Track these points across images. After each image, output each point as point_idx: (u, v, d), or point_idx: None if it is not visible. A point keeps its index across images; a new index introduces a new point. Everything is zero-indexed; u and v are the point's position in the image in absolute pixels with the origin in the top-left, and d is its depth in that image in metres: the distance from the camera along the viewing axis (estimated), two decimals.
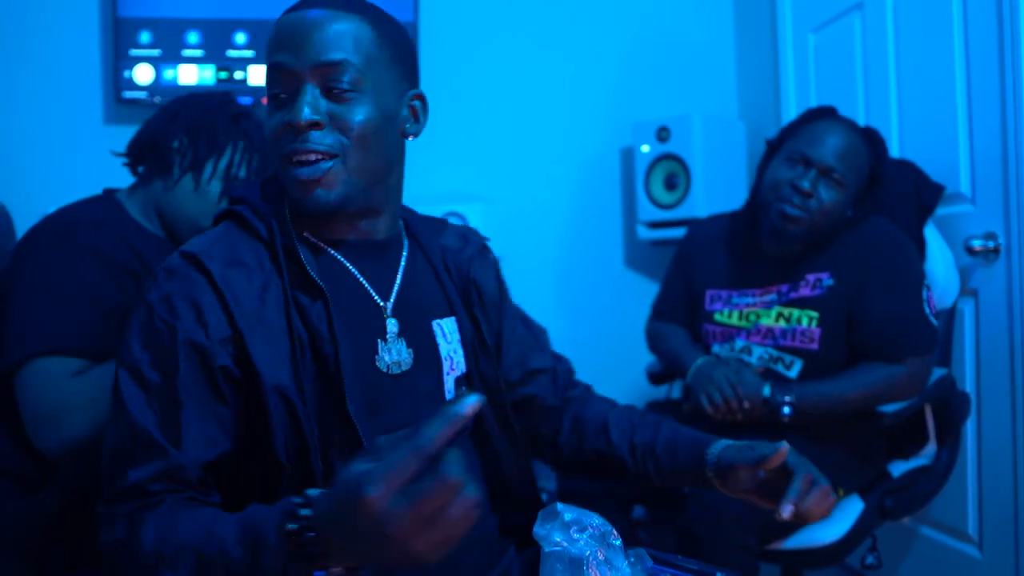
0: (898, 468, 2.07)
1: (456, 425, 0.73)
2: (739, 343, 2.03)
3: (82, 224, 1.53)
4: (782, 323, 1.98)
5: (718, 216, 2.28)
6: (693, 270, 2.19)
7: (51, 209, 1.61)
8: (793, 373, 1.96)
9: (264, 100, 1.16)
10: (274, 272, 1.09)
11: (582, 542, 0.94)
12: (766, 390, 1.89)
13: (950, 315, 2.15)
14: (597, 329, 3.10)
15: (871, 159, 1.99)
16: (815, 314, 1.94)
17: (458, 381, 1.23)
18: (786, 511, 1.08)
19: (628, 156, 3.17)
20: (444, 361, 1.21)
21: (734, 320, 2.06)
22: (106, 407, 1.35)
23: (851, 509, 1.94)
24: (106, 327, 1.44)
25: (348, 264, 1.16)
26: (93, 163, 2.57)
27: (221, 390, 1.03)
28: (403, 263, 1.22)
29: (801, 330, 1.95)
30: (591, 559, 0.94)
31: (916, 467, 2.08)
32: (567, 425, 1.37)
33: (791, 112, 2.98)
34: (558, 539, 0.97)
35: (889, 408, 1.92)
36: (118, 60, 2.66)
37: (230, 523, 0.90)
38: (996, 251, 2.10)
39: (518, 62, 3.08)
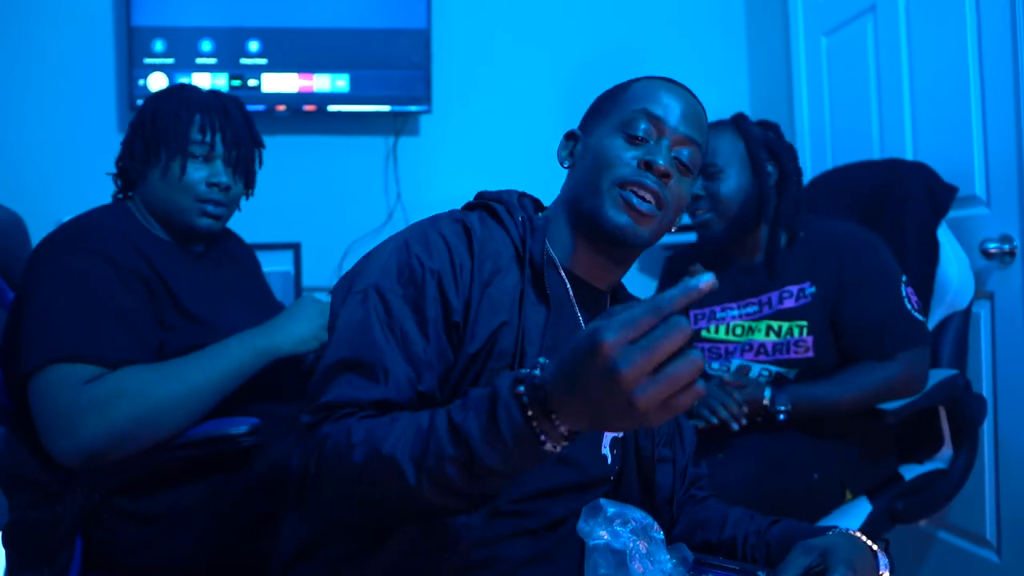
0: (911, 471, 2.05)
1: (692, 296, 0.75)
2: (735, 362, 2.04)
3: (95, 231, 1.54)
4: (773, 337, 1.99)
5: (690, 243, 2.31)
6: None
7: (65, 217, 1.62)
8: (791, 379, 1.98)
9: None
10: (515, 267, 1.17)
11: (624, 536, 0.95)
12: (767, 393, 1.89)
13: (965, 317, 2.14)
14: None
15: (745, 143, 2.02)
16: (804, 323, 1.96)
17: (613, 442, 1.26)
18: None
19: None
20: None
21: (722, 335, 2.07)
22: (120, 416, 1.37)
23: (859, 511, 1.93)
24: (120, 334, 1.45)
25: (574, 302, 1.23)
26: (107, 170, 2.60)
27: (453, 340, 1.10)
28: (607, 307, 1.28)
29: (794, 341, 1.96)
30: (634, 552, 0.95)
31: (931, 471, 2.06)
32: (683, 521, 1.34)
33: (804, 116, 2.98)
34: (601, 533, 1.00)
35: (890, 406, 1.90)
36: (132, 68, 2.68)
37: (454, 403, 0.92)
38: (1012, 253, 2.09)
39: (529, 65, 3.08)
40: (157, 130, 1.62)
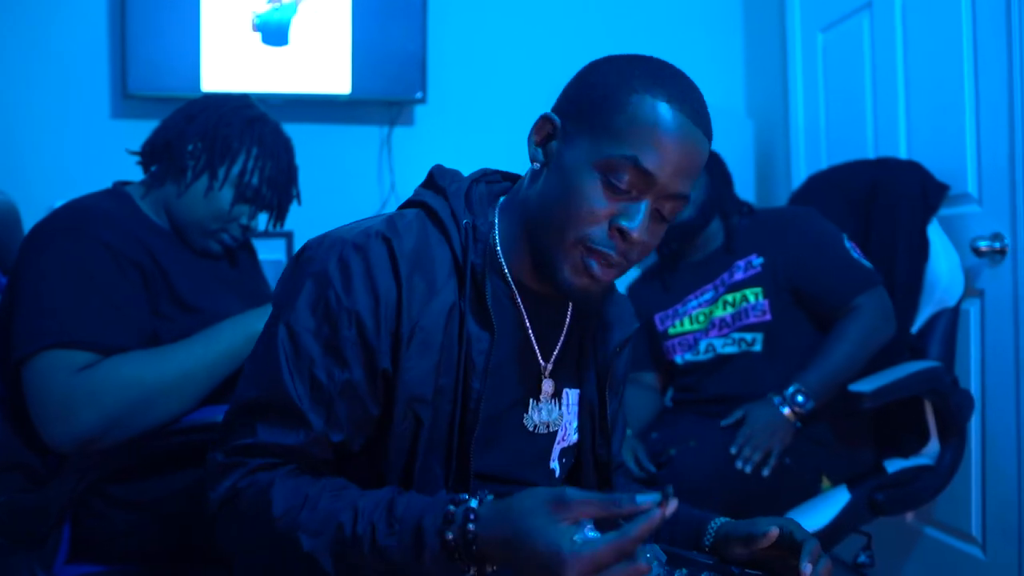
0: (895, 465, 2.07)
1: (655, 525, 0.81)
2: (702, 344, 2.15)
3: (92, 217, 1.53)
4: (731, 309, 2.11)
5: (649, 268, 2.42)
6: (640, 313, 2.29)
7: (59, 203, 1.61)
8: (758, 348, 2.06)
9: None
10: (453, 284, 1.06)
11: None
12: (784, 411, 1.94)
13: (954, 315, 2.15)
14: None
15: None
16: (758, 289, 2.08)
17: (563, 451, 1.21)
18: (806, 570, 1.03)
19: None
20: (560, 429, 1.19)
21: (687, 326, 2.19)
22: (114, 403, 1.37)
23: (836, 500, 1.96)
24: (115, 321, 1.44)
25: (525, 316, 1.13)
26: (101, 157, 2.60)
27: (375, 387, 1.02)
28: (567, 323, 1.19)
29: (750, 307, 2.08)
30: None
31: (916, 465, 2.07)
32: None
33: (799, 111, 2.98)
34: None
35: (866, 388, 1.92)
36: (125, 52, 2.66)
37: (380, 507, 0.93)
38: (1002, 252, 2.10)
39: (525, 55, 3.07)
40: (214, 151, 1.61)
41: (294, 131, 2.91)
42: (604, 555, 0.81)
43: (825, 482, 2.00)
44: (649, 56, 1.08)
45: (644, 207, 1.01)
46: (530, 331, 1.13)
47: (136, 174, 1.73)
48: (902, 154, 2.45)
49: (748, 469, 1.85)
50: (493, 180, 1.21)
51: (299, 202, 1.75)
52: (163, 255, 1.56)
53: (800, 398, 1.93)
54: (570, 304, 1.19)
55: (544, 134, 1.07)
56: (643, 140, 0.99)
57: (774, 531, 1.07)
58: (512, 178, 1.22)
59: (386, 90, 2.85)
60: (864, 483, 2.00)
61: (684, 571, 1.10)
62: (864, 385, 1.93)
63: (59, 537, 1.45)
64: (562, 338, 1.18)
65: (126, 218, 1.57)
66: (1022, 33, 2.02)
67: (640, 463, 1.95)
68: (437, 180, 1.15)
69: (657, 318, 2.26)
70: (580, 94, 1.06)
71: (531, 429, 1.15)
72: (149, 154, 1.67)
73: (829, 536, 1.93)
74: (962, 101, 2.23)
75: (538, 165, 1.07)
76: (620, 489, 1.33)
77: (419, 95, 2.86)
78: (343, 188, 2.92)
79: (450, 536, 0.88)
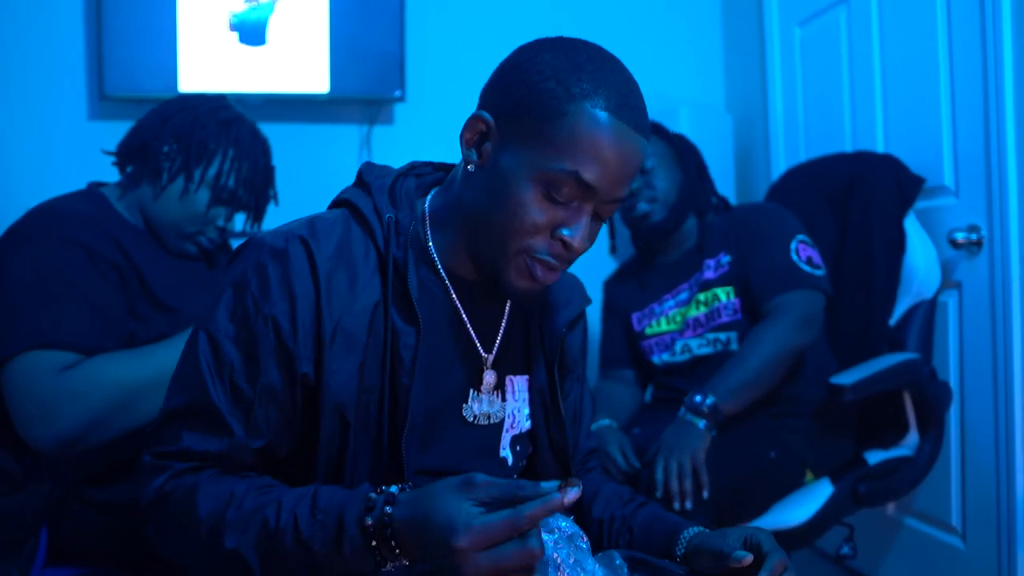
0: (875, 456, 2.08)
1: (553, 510, 0.84)
2: (678, 345, 2.14)
3: (68, 218, 1.52)
4: (703, 308, 2.10)
5: (626, 262, 2.44)
6: (618, 311, 2.33)
7: (34, 204, 1.60)
8: (734, 347, 2.05)
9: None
10: (378, 282, 1.05)
11: (550, 545, 0.93)
12: (689, 419, 1.86)
13: (931, 307, 2.16)
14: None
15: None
16: (729, 288, 2.07)
17: (515, 439, 1.20)
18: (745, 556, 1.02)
19: None
20: (507, 418, 1.18)
21: (663, 327, 2.19)
22: (97, 403, 1.36)
23: (820, 492, 1.97)
24: (94, 322, 1.44)
25: (460, 307, 1.12)
26: (77, 159, 2.58)
27: (295, 392, 1.02)
28: (507, 311, 1.18)
29: (722, 306, 2.07)
30: (561, 562, 0.94)
31: (896, 456, 2.08)
32: None
33: (778, 104, 2.99)
34: None
35: (846, 380, 1.92)
36: (102, 56, 2.65)
37: (303, 500, 0.94)
38: (979, 243, 2.11)
39: (504, 53, 3.06)
40: (189, 153, 1.60)
41: (272, 131, 2.90)
42: (496, 529, 0.83)
43: (809, 475, 2.00)
44: (582, 44, 1.05)
45: (585, 216, 1.01)
46: (467, 323, 1.13)
47: (114, 175, 1.72)
48: (879, 147, 2.47)
49: (688, 505, 1.77)
50: (423, 172, 1.19)
51: (276, 203, 1.75)
52: (139, 256, 1.55)
53: (698, 398, 1.86)
54: None
55: (476, 133, 1.05)
56: (584, 154, 0.97)
57: (748, 559, 1.03)
58: (445, 168, 1.21)
59: (365, 89, 2.84)
60: (846, 475, 2.00)
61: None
62: (844, 378, 1.94)
63: (36, 541, 1.44)
64: (503, 327, 1.17)
65: (103, 219, 1.57)
66: (996, 26, 2.04)
67: (627, 457, 1.95)
68: (364, 177, 1.14)
69: (635, 317, 2.26)
70: (514, 94, 1.02)
71: (471, 420, 1.13)
72: (124, 155, 1.66)
73: (814, 528, 1.94)
74: (938, 94, 2.25)
75: (471, 166, 1.05)
76: (592, 476, 1.32)
77: (398, 93, 2.85)
78: (323, 188, 2.88)
79: (369, 521, 0.89)
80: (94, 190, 1.66)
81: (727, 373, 1.91)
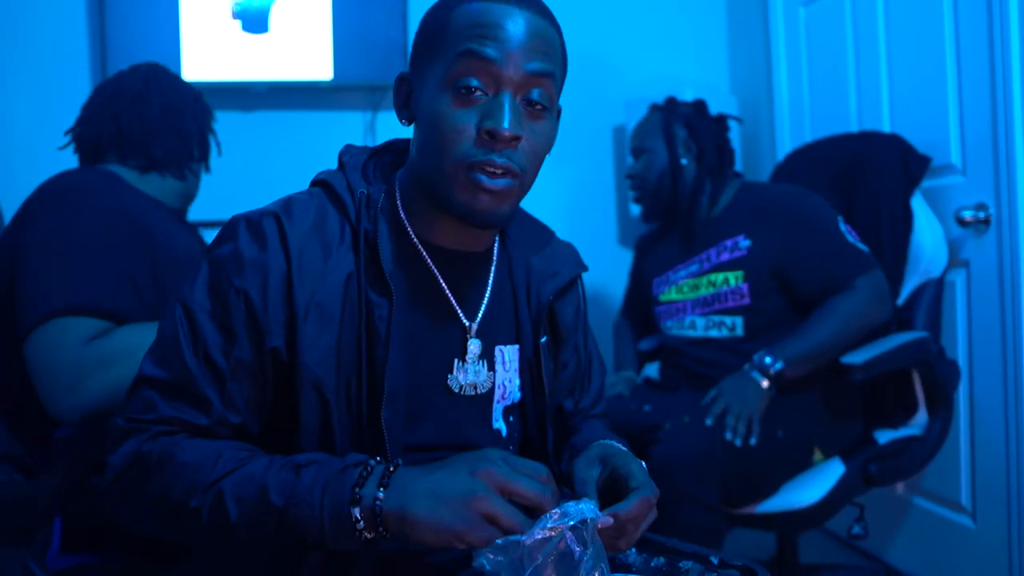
0: (885, 436, 2.08)
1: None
2: (687, 319, 2.17)
3: (92, 187, 1.51)
4: (711, 289, 2.11)
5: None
6: (642, 272, 2.38)
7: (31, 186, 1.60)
8: (740, 332, 2.07)
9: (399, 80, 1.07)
10: (351, 257, 1.06)
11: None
12: (754, 375, 1.94)
13: (939, 286, 2.16)
14: (591, 306, 3.10)
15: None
16: (739, 272, 2.07)
17: (507, 410, 1.19)
18: (603, 518, 0.94)
19: (621, 134, 3.16)
20: (497, 388, 1.17)
21: (673, 295, 2.21)
22: (124, 375, 1.35)
23: (831, 472, 1.97)
24: (125, 289, 1.42)
25: (439, 276, 1.11)
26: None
27: (266, 368, 1.03)
28: (491, 279, 1.17)
29: (730, 290, 2.08)
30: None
31: (905, 436, 2.09)
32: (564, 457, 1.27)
33: (783, 86, 2.98)
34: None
35: (856, 359, 1.93)
36: (105, 46, 2.65)
37: (308, 474, 0.94)
38: (987, 222, 2.11)
39: None
40: (203, 150, 1.76)
41: (277, 118, 2.92)
42: (522, 488, 0.90)
43: (817, 454, 2.01)
44: None
45: (505, 100, 0.99)
46: (447, 292, 1.12)
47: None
48: (885, 127, 2.45)
49: (738, 442, 1.85)
50: (401, 148, 1.20)
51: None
52: (159, 227, 1.55)
53: (768, 359, 1.92)
54: (493, 259, 1.18)
55: (401, 94, 1.10)
56: (470, 36, 0.99)
57: (607, 522, 0.94)
58: None
59: (368, 75, 2.83)
60: (857, 455, 2.01)
61: (661, 559, 1.10)
62: (855, 357, 1.94)
63: (50, 529, 1.45)
64: (487, 294, 1.16)
65: (122, 189, 1.57)
66: (1002, 4, 2.02)
67: (635, 391, 2.06)
68: (341, 157, 1.16)
69: (655, 282, 2.28)
70: (416, 41, 1.08)
71: (456, 391, 1.12)
72: (96, 144, 1.67)
73: (825, 508, 1.95)
74: (944, 72, 2.23)
75: (407, 123, 1.08)
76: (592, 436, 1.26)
77: None
78: None
79: (357, 514, 0.90)
80: (103, 169, 1.65)
81: (799, 339, 1.96)
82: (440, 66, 1.01)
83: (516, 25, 1.00)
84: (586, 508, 0.88)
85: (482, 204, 1.01)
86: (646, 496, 0.99)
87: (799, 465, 1.98)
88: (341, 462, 0.94)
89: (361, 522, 0.90)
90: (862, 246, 2.03)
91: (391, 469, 0.92)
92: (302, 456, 0.96)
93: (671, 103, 2.25)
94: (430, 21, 1.06)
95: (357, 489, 0.90)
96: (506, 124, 0.98)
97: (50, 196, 1.50)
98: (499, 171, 1.00)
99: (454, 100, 1.00)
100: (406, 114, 1.09)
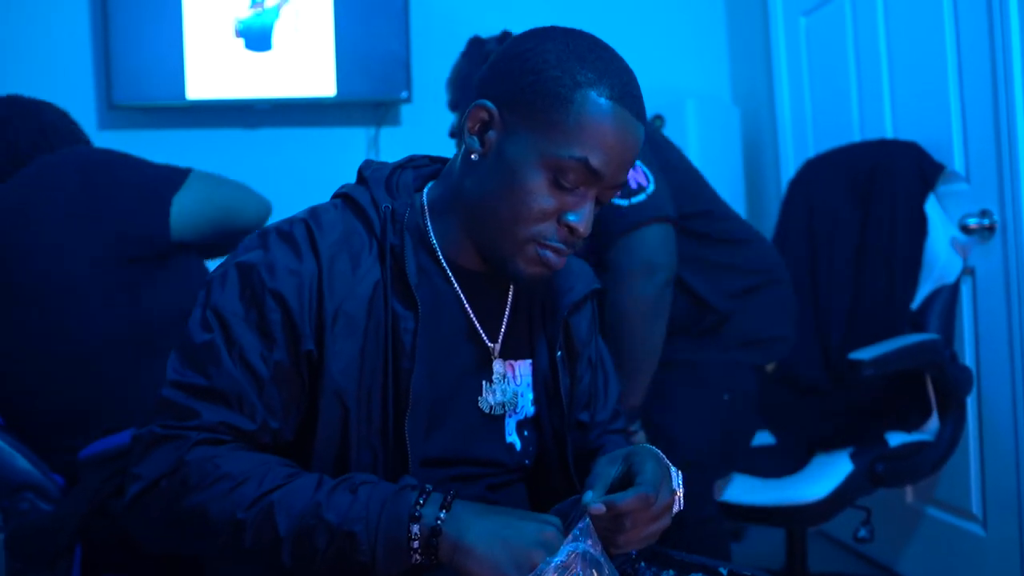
0: (896, 438, 2.07)
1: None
2: None
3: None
4: None
5: None
6: None
7: None
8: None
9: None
10: (378, 269, 1.06)
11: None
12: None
13: (953, 291, 2.15)
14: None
15: None
16: None
17: (520, 424, 1.19)
18: (595, 504, 0.94)
19: None
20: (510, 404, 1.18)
21: None
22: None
23: (838, 469, 1.97)
24: None
25: (462, 295, 1.12)
26: None
27: (302, 371, 1.03)
28: (510, 300, 1.18)
29: None
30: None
31: (917, 440, 2.08)
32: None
33: (784, 95, 2.99)
34: None
35: (866, 356, 1.91)
36: (110, 65, 2.66)
37: (365, 491, 0.94)
38: (991, 228, 2.11)
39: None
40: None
41: (281, 135, 2.93)
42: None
43: (821, 452, 2.00)
44: (581, 33, 1.08)
45: (589, 202, 1.03)
46: (470, 313, 1.13)
47: None
48: (888, 135, 2.46)
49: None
50: (421, 164, 1.20)
51: None
52: None
53: (628, 425, 1.74)
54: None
55: (479, 122, 1.05)
56: (592, 141, 0.99)
57: (598, 509, 0.94)
58: (442, 161, 1.21)
59: (371, 91, 2.85)
60: (865, 454, 2.00)
61: (671, 572, 1.10)
62: (864, 354, 1.93)
63: (71, 556, 1.45)
64: (506, 316, 1.17)
65: None
66: (1003, 11, 2.03)
67: None
68: (362, 172, 1.16)
69: None
70: (518, 82, 1.02)
71: (487, 411, 1.13)
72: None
73: (831, 505, 1.94)
74: (946, 79, 2.24)
75: (476, 156, 1.05)
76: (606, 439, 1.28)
77: (404, 94, 2.86)
78: (332, 191, 2.91)
79: (416, 531, 0.91)
80: None
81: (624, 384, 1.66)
82: (547, 143, 1.00)
83: (630, 144, 1.02)
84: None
85: (536, 272, 1.06)
86: (645, 492, 0.97)
87: (749, 427, 1.95)
88: (396, 485, 0.95)
89: (417, 541, 0.90)
90: (621, 202, 1.71)
91: (451, 497, 0.93)
92: (356, 476, 0.97)
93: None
94: (548, 79, 1.01)
95: (418, 508, 0.91)
96: (584, 224, 1.02)
97: (64, 168, 1.68)
98: (563, 254, 1.05)
99: (549, 185, 1.01)
100: (477, 146, 1.05)
